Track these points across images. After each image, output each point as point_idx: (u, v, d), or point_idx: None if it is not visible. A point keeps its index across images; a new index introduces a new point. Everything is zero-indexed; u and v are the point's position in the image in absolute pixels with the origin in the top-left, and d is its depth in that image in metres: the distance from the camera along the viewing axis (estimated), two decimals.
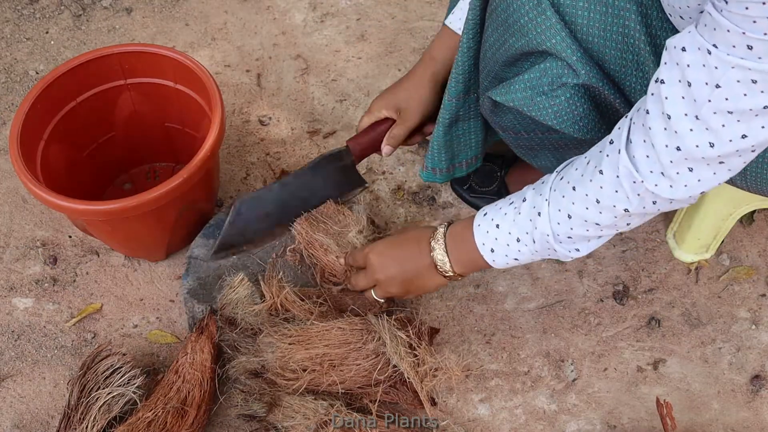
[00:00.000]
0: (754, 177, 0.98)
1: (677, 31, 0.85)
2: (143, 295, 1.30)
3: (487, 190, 1.37)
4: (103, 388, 1.10)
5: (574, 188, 0.91)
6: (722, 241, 1.33)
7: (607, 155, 0.88)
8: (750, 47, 0.69)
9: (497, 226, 0.99)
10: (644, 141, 0.83)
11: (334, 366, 1.12)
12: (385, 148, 1.22)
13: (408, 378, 1.11)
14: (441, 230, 1.06)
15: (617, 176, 0.86)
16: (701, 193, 0.86)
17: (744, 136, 0.77)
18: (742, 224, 1.39)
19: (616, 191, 0.87)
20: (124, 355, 1.14)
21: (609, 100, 0.96)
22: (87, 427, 1.06)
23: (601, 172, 0.88)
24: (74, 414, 1.08)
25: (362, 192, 1.39)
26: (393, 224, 1.38)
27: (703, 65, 0.74)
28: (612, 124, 1.04)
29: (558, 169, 0.97)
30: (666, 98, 0.79)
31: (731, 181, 1.02)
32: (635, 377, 1.24)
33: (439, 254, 1.04)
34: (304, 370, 1.12)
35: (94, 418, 1.07)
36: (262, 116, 1.53)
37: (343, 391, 1.13)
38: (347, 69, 1.60)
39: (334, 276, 1.22)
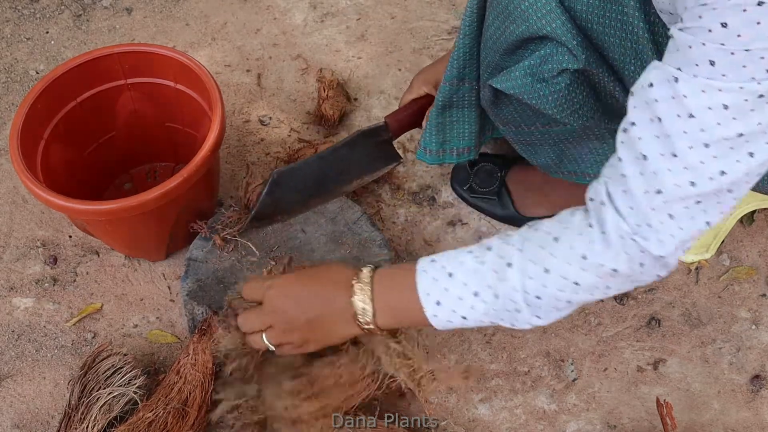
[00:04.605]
0: None
1: (673, 21, 0.84)
2: (143, 295, 1.30)
3: (487, 190, 1.37)
4: (104, 388, 1.10)
5: (556, 239, 0.83)
6: (722, 241, 1.33)
7: (593, 210, 0.82)
8: (712, 62, 0.67)
9: (450, 275, 0.87)
10: (623, 191, 0.79)
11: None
12: (426, 123, 1.19)
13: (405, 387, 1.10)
14: (366, 271, 0.92)
15: (603, 231, 0.80)
16: (684, 245, 0.80)
17: (723, 173, 0.74)
18: (742, 224, 1.39)
19: (606, 248, 0.80)
20: (125, 355, 1.14)
21: (607, 86, 0.96)
22: (87, 427, 1.06)
23: (590, 225, 0.82)
24: (75, 414, 1.08)
25: (396, 167, 1.37)
26: (393, 224, 1.38)
27: (672, 97, 0.72)
28: (608, 112, 1.03)
29: (529, 223, 0.89)
30: (639, 139, 0.75)
31: None
32: (635, 377, 1.24)
33: (361, 299, 0.90)
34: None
35: (95, 417, 1.07)
36: (262, 116, 1.53)
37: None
38: (347, 69, 1.60)
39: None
